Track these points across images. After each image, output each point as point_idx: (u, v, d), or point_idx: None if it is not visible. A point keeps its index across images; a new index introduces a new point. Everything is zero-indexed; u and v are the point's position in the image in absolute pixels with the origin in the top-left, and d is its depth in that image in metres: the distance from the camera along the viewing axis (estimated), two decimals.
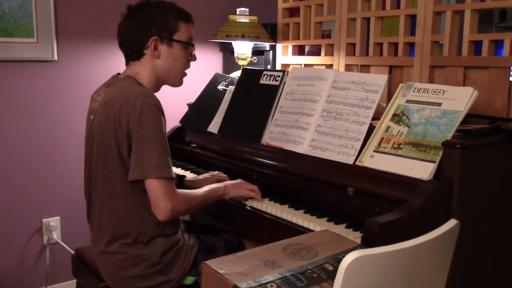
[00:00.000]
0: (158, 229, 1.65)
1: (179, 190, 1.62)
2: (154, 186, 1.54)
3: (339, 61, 2.44)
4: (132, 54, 1.71)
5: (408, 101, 1.68)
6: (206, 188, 1.75)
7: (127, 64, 1.75)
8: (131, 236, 1.63)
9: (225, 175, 2.01)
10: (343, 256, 0.96)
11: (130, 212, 1.63)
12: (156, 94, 1.71)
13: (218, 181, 1.94)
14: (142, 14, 1.69)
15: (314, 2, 2.58)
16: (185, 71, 1.80)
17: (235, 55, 2.62)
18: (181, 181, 2.01)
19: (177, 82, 1.79)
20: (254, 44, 2.64)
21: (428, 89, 1.66)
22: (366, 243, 1.35)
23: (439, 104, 1.60)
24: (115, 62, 2.58)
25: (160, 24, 1.68)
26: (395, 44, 2.24)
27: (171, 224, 1.69)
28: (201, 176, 2.03)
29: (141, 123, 1.53)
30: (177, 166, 2.26)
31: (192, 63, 1.83)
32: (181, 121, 2.51)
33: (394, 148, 1.62)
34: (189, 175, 2.16)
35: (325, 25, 2.66)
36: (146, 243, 1.65)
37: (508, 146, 1.68)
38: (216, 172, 2.04)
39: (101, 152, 1.63)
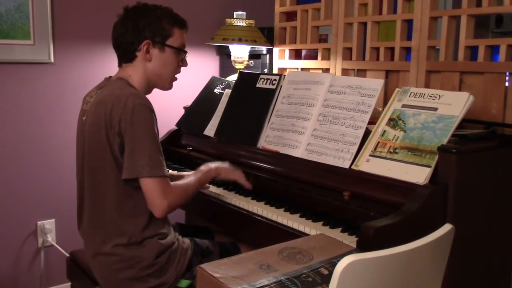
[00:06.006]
0: (149, 227, 1.66)
1: (173, 183, 1.65)
2: (148, 185, 1.57)
3: (336, 65, 2.45)
4: (125, 56, 1.73)
5: (404, 106, 1.69)
6: (198, 174, 1.80)
7: (119, 65, 1.77)
8: (123, 236, 1.64)
9: None
10: (338, 260, 0.96)
11: (121, 210, 1.64)
12: (153, 96, 1.71)
13: None
14: (137, 17, 1.70)
15: (311, 7, 2.59)
16: (175, 76, 1.81)
17: (232, 58, 2.63)
18: None
19: (166, 85, 1.82)
20: (251, 47, 2.64)
21: (424, 94, 1.67)
22: (361, 247, 1.35)
23: (435, 109, 1.61)
24: (111, 65, 2.57)
25: (154, 28, 1.70)
26: (392, 49, 2.25)
27: (161, 222, 1.70)
28: (185, 173, 2.08)
29: (133, 123, 1.55)
30: (173, 169, 2.25)
31: (189, 66, 1.84)
32: (177, 124, 2.51)
33: (390, 152, 1.62)
34: None
35: (322, 29, 2.66)
36: (139, 243, 1.65)
37: (504, 151, 1.68)
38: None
39: (93, 151, 1.65)
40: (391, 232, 1.37)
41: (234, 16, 2.62)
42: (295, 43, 2.70)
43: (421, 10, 2.07)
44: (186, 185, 1.71)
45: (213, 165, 1.87)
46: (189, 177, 1.78)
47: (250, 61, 2.75)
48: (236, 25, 2.56)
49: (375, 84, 1.79)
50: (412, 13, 2.12)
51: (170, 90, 1.84)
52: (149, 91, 1.78)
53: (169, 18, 1.73)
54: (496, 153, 1.66)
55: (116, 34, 1.73)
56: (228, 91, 2.33)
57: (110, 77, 1.77)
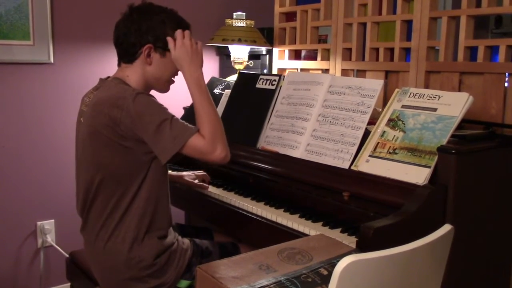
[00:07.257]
0: (149, 227, 1.66)
1: (200, 131, 1.63)
2: (188, 151, 1.60)
3: (335, 65, 2.45)
4: (125, 56, 1.72)
5: (403, 106, 1.69)
6: (198, 92, 1.73)
7: (119, 65, 1.76)
8: (124, 237, 1.63)
9: (205, 173, 2.11)
10: (338, 261, 0.96)
11: (122, 211, 1.63)
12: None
13: (204, 180, 2.07)
14: (141, 19, 1.68)
15: (310, 7, 2.59)
16: (173, 79, 1.81)
17: (232, 59, 2.63)
18: None
19: (164, 89, 1.81)
20: (251, 48, 2.64)
21: (424, 94, 1.67)
22: (361, 247, 1.35)
23: (435, 109, 1.61)
24: (111, 65, 2.56)
25: (157, 33, 1.69)
26: (391, 49, 2.25)
27: (162, 222, 1.69)
28: (185, 173, 2.11)
29: (138, 114, 1.55)
30: (172, 170, 2.26)
31: None
32: None
33: (390, 153, 1.62)
34: None
35: (322, 30, 2.67)
36: (139, 244, 1.64)
37: (503, 152, 1.68)
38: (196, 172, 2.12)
39: (92, 152, 1.64)
40: (390, 233, 1.37)
41: (234, 16, 2.62)
42: (295, 43, 2.70)
43: (420, 10, 2.07)
44: (204, 116, 1.68)
45: (192, 78, 1.73)
46: (197, 104, 1.72)
47: (249, 62, 2.76)
48: (235, 26, 2.56)
49: (374, 84, 1.79)
50: (412, 13, 2.12)
51: (170, 90, 1.83)
52: (146, 92, 1.78)
53: (173, 23, 1.71)
54: (495, 153, 1.66)
55: (118, 33, 1.71)
56: (227, 92, 2.34)
57: (108, 77, 1.77)
